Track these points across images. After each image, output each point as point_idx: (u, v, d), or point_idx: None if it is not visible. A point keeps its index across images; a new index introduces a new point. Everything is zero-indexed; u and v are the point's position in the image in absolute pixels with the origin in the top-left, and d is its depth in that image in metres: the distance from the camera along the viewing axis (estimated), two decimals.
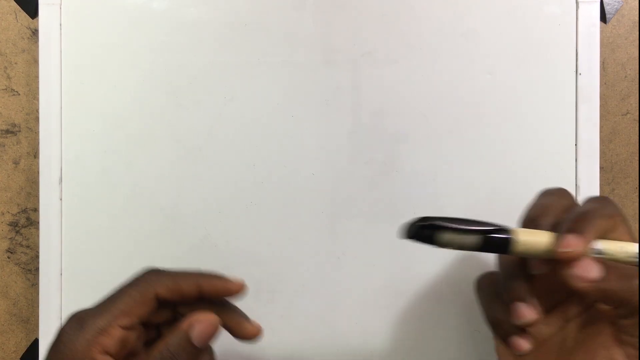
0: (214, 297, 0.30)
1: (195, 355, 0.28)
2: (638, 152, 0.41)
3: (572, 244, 0.26)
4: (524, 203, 0.39)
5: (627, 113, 0.41)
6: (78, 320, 0.28)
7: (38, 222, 0.40)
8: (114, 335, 0.27)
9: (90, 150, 0.40)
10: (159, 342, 0.28)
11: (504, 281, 0.30)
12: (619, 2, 0.41)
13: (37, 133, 0.41)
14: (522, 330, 0.30)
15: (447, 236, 0.28)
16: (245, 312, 0.39)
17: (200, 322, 0.28)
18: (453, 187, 0.39)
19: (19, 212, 0.42)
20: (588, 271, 0.26)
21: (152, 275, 0.29)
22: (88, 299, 0.40)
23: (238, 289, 0.30)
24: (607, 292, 0.26)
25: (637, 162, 0.41)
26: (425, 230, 0.28)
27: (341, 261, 0.39)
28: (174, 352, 0.28)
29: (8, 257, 0.42)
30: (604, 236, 0.28)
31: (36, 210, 0.41)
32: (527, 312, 0.28)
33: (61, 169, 0.40)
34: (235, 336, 0.31)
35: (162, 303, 0.29)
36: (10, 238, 0.42)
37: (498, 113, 0.39)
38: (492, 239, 0.28)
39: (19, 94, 0.42)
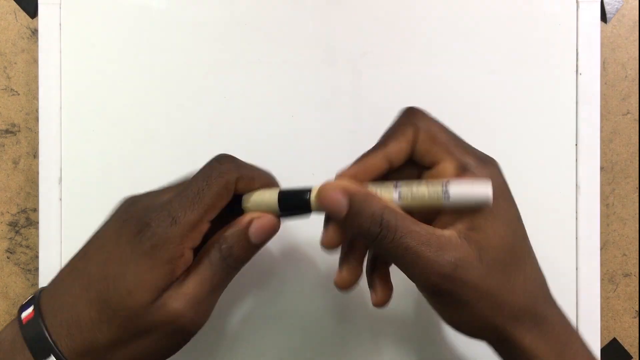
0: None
1: (250, 250, 0.28)
2: (638, 152, 0.41)
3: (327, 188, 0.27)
4: (523, 202, 0.39)
5: (628, 113, 0.41)
6: (168, 212, 0.26)
7: (37, 222, 0.40)
8: (202, 230, 0.27)
9: (90, 150, 0.40)
10: (217, 233, 0.28)
11: None
12: (619, 1, 0.41)
13: (36, 133, 0.41)
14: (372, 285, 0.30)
15: (251, 199, 0.29)
16: (246, 312, 0.39)
17: (260, 219, 0.28)
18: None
19: (18, 212, 0.42)
20: (335, 200, 0.26)
21: (231, 165, 0.28)
22: None
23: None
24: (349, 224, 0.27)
25: (638, 162, 0.41)
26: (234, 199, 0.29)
27: None
28: (230, 244, 0.28)
29: (7, 257, 0.42)
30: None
31: (36, 210, 0.41)
32: (336, 279, 0.29)
33: (61, 169, 0.39)
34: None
35: None
36: (9, 238, 0.42)
37: (498, 113, 0.39)
38: (289, 195, 0.29)
39: (19, 94, 0.42)
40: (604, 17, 0.41)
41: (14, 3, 0.42)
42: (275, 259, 0.39)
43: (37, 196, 0.40)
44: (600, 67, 0.40)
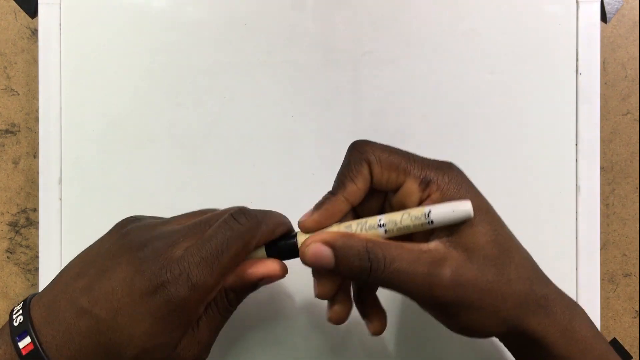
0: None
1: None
2: (638, 152, 0.41)
3: (303, 226, 0.29)
4: (524, 203, 0.39)
5: (628, 113, 0.41)
6: (187, 274, 0.26)
7: (37, 222, 0.40)
8: (217, 289, 0.28)
9: (90, 150, 0.40)
10: (228, 281, 0.28)
11: None
12: (619, 1, 0.41)
13: (36, 133, 0.41)
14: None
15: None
16: (245, 313, 0.39)
17: (269, 278, 0.29)
18: None
19: (18, 212, 0.42)
20: (320, 254, 0.27)
21: (250, 223, 0.28)
22: None
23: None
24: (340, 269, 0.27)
25: (638, 162, 0.41)
26: None
27: None
28: (238, 293, 0.29)
29: (8, 257, 0.42)
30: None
31: (36, 210, 0.41)
32: (329, 315, 0.30)
33: (61, 169, 0.39)
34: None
35: None
36: (9, 238, 0.42)
37: (498, 113, 0.39)
38: (275, 249, 0.29)
39: (19, 94, 0.42)
40: (604, 17, 0.41)
41: (14, 3, 0.42)
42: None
43: (37, 196, 0.40)
44: (600, 67, 0.40)
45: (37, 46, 0.40)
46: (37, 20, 0.40)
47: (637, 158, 0.41)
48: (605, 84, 0.41)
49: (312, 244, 0.27)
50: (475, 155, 0.39)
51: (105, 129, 0.40)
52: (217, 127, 0.40)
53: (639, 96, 0.41)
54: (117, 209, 0.39)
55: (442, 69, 0.39)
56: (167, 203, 0.39)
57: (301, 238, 0.29)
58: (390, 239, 0.28)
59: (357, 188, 0.28)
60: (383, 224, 0.27)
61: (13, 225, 0.42)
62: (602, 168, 0.41)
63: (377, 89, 0.40)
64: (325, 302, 0.31)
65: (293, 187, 0.40)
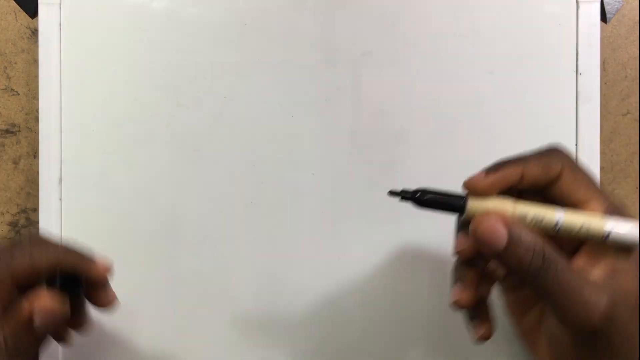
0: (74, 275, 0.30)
1: (39, 338, 0.28)
2: (638, 152, 0.41)
3: (473, 181, 0.27)
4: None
5: (628, 113, 0.41)
6: None
7: (38, 222, 0.40)
8: None
9: (90, 150, 0.40)
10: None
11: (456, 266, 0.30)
12: (619, 1, 0.41)
13: (36, 133, 0.41)
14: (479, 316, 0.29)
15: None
16: (245, 313, 0.39)
17: (41, 312, 0.27)
18: (453, 187, 0.39)
19: (18, 212, 0.42)
20: (495, 231, 0.25)
21: (6, 256, 0.28)
22: None
23: (101, 273, 0.30)
24: (507, 258, 0.26)
25: (637, 162, 0.41)
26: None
27: (341, 261, 0.39)
28: (17, 341, 0.27)
29: None
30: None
31: (36, 210, 0.41)
32: (457, 294, 0.29)
33: (61, 169, 0.40)
34: (92, 304, 0.31)
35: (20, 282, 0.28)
36: (9, 238, 0.42)
37: (498, 113, 0.39)
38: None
39: (19, 94, 0.42)
40: (604, 17, 0.41)
41: (14, 3, 0.42)
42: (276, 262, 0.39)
43: (37, 196, 0.40)
44: (600, 67, 0.40)
45: (37, 46, 0.40)
46: (37, 20, 0.40)
47: (637, 158, 0.41)
48: (605, 84, 0.41)
49: (491, 218, 0.26)
50: (475, 156, 0.39)
51: (106, 128, 0.40)
52: (217, 127, 0.40)
53: (639, 96, 0.41)
54: (117, 209, 0.39)
55: (442, 69, 0.39)
56: (167, 203, 0.39)
57: (475, 204, 0.27)
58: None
59: (538, 171, 0.27)
60: (559, 229, 0.26)
61: (13, 225, 0.42)
62: (602, 168, 0.41)
63: (377, 89, 0.40)
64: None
65: (293, 187, 0.40)
